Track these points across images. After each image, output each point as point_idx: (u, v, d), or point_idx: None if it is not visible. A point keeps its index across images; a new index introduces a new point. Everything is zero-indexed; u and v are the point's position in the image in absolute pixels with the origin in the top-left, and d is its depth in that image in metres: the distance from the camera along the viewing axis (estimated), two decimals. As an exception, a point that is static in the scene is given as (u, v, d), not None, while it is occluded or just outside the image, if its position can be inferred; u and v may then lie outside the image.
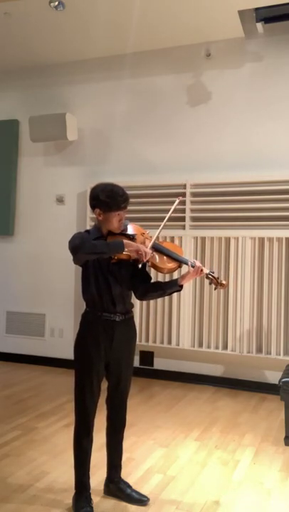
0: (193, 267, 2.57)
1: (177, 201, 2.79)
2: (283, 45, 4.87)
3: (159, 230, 2.67)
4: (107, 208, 2.56)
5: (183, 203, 5.02)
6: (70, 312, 5.64)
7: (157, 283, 2.74)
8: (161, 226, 2.67)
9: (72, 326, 5.60)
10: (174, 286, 2.62)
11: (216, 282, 2.60)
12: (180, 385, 5.03)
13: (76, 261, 2.53)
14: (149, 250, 2.50)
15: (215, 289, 2.65)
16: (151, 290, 2.69)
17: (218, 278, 2.61)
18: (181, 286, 2.62)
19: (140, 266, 2.54)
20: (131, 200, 5.53)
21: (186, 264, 2.60)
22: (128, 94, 5.48)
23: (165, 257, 2.62)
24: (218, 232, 4.91)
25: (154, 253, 2.61)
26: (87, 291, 2.63)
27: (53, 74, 5.82)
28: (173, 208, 2.73)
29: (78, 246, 2.45)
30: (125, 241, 2.47)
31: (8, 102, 6.06)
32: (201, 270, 2.56)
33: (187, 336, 4.97)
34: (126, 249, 2.46)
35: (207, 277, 2.61)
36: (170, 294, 2.70)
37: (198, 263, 2.58)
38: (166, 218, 2.69)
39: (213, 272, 2.62)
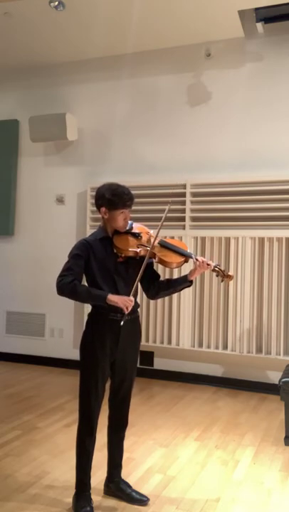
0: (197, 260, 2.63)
1: (168, 207, 2.80)
2: (283, 45, 4.87)
3: (158, 228, 2.67)
4: (112, 206, 2.59)
5: (183, 203, 5.03)
6: (70, 312, 5.64)
7: (167, 281, 2.76)
8: (160, 226, 2.68)
9: (72, 326, 5.60)
10: (184, 282, 2.67)
11: (222, 275, 2.65)
12: (180, 385, 5.03)
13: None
14: (132, 303, 2.49)
15: (222, 281, 2.70)
16: (162, 289, 2.72)
17: (224, 270, 2.67)
18: (191, 282, 2.67)
19: (145, 262, 2.56)
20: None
21: (191, 258, 2.66)
22: (128, 94, 5.48)
23: (171, 252, 2.67)
24: (218, 232, 4.91)
25: (161, 248, 2.66)
26: None
27: (53, 74, 5.82)
28: (165, 212, 2.73)
29: (61, 290, 2.52)
30: (110, 296, 2.49)
31: (8, 102, 6.06)
32: (208, 264, 2.61)
33: (187, 335, 4.98)
34: (110, 302, 2.48)
35: (214, 270, 2.66)
36: (181, 290, 2.75)
37: (200, 258, 2.63)
38: (162, 222, 2.69)
39: (219, 265, 2.68)
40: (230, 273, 2.68)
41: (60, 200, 5.79)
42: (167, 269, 4.79)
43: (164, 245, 2.69)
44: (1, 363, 5.79)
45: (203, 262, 2.60)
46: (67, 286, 2.51)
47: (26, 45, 5.35)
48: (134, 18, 4.65)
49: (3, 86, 6.09)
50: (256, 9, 4.62)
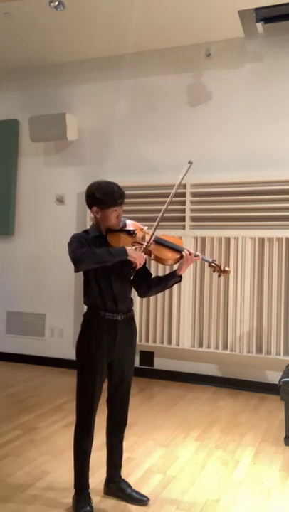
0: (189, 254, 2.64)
1: (188, 166, 2.82)
2: (283, 45, 4.87)
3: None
4: (104, 205, 2.56)
5: (183, 203, 5.03)
6: (70, 312, 5.64)
7: (158, 278, 2.75)
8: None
9: (72, 326, 5.60)
10: (174, 277, 2.66)
11: (219, 270, 2.67)
12: (180, 385, 5.03)
13: (78, 271, 2.49)
14: (143, 259, 2.52)
15: (219, 276, 2.72)
16: (153, 285, 2.71)
17: (220, 266, 2.69)
18: (181, 277, 2.67)
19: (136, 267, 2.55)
20: (131, 200, 5.47)
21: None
22: (128, 94, 5.48)
23: (166, 249, 2.65)
24: (218, 232, 4.91)
25: (156, 245, 2.63)
26: (89, 291, 2.62)
27: (53, 74, 5.82)
28: (183, 175, 2.78)
29: (80, 259, 2.41)
30: (128, 248, 2.49)
31: (8, 102, 6.06)
32: (196, 256, 2.62)
33: (187, 335, 4.97)
34: (129, 256, 2.47)
35: (210, 265, 2.68)
36: (171, 286, 2.74)
37: (187, 250, 2.63)
38: (175, 188, 2.72)
39: (214, 260, 2.69)
40: (227, 268, 2.69)
41: (60, 200, 5.79)
42: (167, 266, 4.79)
43: (159, 242, 2.66)
44: (1, 363, 5.79)
45: (190, 254, 2.62)
46: (85, 253, 2.42)
47: (26, 45, 5.35)
48: (134, 18, 4.65)
49: (3, 86, 6.09)
50: (256, 9, 4.62)
